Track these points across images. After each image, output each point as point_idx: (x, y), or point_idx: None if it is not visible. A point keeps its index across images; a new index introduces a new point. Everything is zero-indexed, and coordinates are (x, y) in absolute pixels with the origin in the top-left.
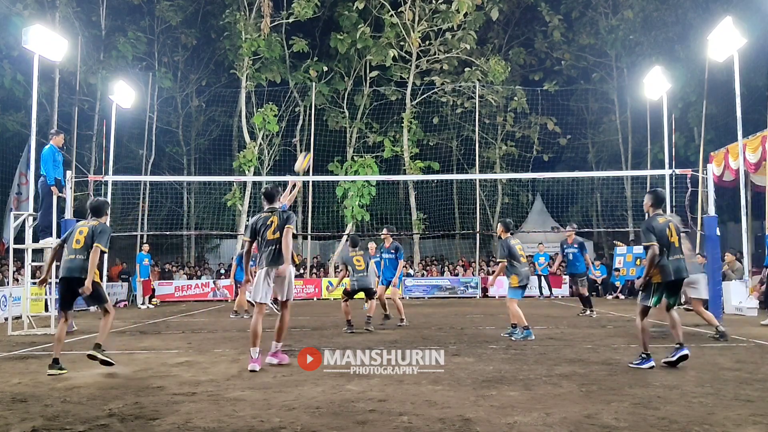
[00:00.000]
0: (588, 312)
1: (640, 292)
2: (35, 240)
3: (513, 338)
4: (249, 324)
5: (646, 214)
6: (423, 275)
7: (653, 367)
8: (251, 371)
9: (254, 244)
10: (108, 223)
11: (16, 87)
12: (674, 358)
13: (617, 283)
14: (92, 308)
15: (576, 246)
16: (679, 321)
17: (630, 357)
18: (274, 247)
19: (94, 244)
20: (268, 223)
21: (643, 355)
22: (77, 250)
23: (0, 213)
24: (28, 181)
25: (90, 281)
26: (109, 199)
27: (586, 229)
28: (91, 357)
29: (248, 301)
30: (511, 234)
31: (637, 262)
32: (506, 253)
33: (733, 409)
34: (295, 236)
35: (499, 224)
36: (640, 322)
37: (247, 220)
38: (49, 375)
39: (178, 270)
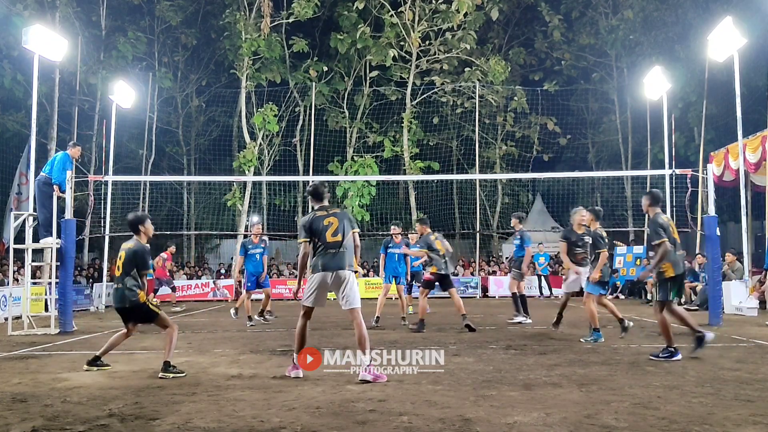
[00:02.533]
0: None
1: (657, 290)
2: (35, 240)
3: (582, 339)
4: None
5: (646, 215)
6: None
7: (680, 359)
8: (294, 377)
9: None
10: (145, 241)
11: (16, 87)
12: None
13: (617, 283)
14: (92, 308)
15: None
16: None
17: (630, 357)
18: (335, 251)
19: (141, 272)
20: (326, 224)
21: (671, 349)
22: (117, 278)
23: (0, 213)
24: (28, 181)
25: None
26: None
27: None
28: (163, 378)
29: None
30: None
31: (637, 262)
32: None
33: (733, 409)
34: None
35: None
36: (662, 318)
37: (247, 220)
38: (85, 370)
39: (178, 270)
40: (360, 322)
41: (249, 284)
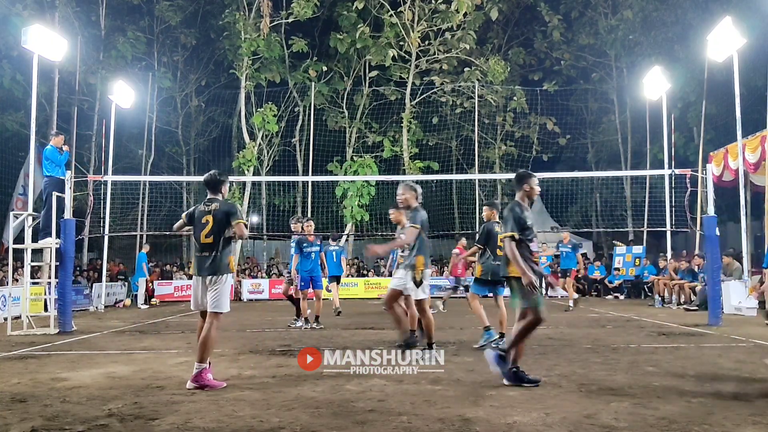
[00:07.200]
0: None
1: None
2: (35, 240)
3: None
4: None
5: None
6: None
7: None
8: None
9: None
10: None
11: (16, 87)
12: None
13: (617, 282)
14: (91, 308)
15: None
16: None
17: (630, 357)
18: (207, 254)
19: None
20: (203, 222)
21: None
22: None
23: (0, 213)
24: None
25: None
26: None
27: (586, 229)
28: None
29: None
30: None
31: (636, 261)
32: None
33: (733, 409)
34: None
35: None
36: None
37: (247, 219)
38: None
39: (178, 270)
40: (212, 328)
41: (302, 284)
